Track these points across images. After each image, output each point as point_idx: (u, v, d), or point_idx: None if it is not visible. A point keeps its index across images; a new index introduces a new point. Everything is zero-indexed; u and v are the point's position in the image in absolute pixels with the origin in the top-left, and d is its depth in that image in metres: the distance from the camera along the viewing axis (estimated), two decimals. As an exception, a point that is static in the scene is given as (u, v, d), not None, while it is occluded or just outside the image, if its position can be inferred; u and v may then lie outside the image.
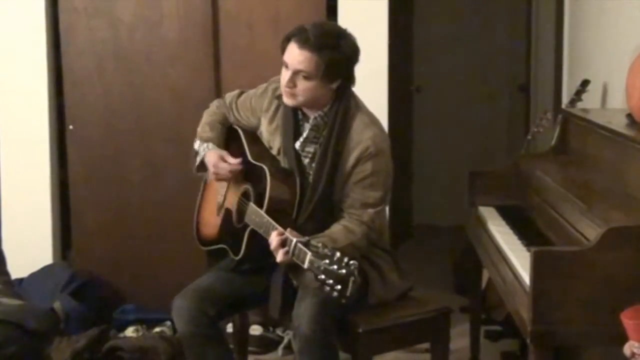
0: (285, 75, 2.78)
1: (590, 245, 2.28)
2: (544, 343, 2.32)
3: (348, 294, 2.36)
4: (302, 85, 2.75)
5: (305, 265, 2.46)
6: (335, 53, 2.74)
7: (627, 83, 2.86)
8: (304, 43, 2.72)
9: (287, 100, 2.81)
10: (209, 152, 2.98)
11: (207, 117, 3.11)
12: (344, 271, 2.35)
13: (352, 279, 2.35)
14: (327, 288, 2.36)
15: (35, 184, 4.14)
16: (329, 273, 2.36)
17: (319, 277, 2.38)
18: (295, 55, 2.73)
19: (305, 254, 2.47)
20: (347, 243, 2.71)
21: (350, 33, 2.81)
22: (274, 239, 2.61)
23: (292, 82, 2.76)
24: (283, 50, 2.78)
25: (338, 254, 2.38)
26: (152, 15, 4.07)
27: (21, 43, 4.09)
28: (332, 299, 2.40)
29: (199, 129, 3.08)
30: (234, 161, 2.93)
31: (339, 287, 2.35)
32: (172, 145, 4.08)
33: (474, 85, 6.37)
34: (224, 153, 2.97)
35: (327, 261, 2.38)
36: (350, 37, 2.80)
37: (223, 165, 2.93)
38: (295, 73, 2.75)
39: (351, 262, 2.37)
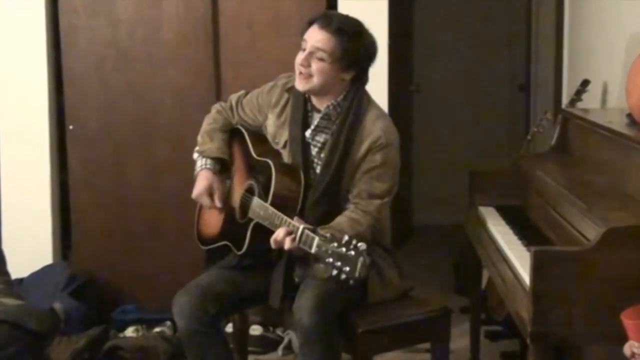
0: (300, 55, 2.81)
1: (590, 245, 2.28)
2: (544, 343, 2.32)
3: (357, 275, 2.38)
4: (316, 65, 2.78)
5: (313, 250, 2.49)
6: (354, 41, 2.78)
7: (627, 83, 2.86)
8: (326, 25, 2.78)
9: (300, 84, 2.82)
10: (202, 171, 3.01)
11: (206, 125, 3.11)
12: (352, 252, 2.38)
13: (361, 259, 2.37)
14: (335, 271, 2.38)
15: (35, 184, 4.14)
16: (337, 255, 2.39)
17: (327, 260, 2.40)
18: (315, 35, 2.78)
19: (313, 238, 2.50)
20: (353, 234, 2.71)
21: (371, 33, 2.86)
22: (280, 229, 2.63)
23: (307, 62, 2.79)
24: (303, 33, 2.83)
25: (346, 237, 2.42)
26: (152, 15, 4.07)
27: (21, 43, 4.09)
28: (333, 291, 2.41)
29: (199, 138, 3.09)
30: (217, 203, 2.98)
31: (347, 268, 2.37)
32: (172, 145, 4.08)
33: (474, 85, 6.38)
34: (215, 185, 2.99)
35: (335, 244, 2.41)
36: (372, 36, 2.86)
37: (205, 200, 2.99)
38: (312, 53, 2.78)
39: (359, 244, 2.39)
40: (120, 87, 4.12)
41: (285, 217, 2.66)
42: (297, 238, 2.57)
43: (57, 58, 4.14)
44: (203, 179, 3.00)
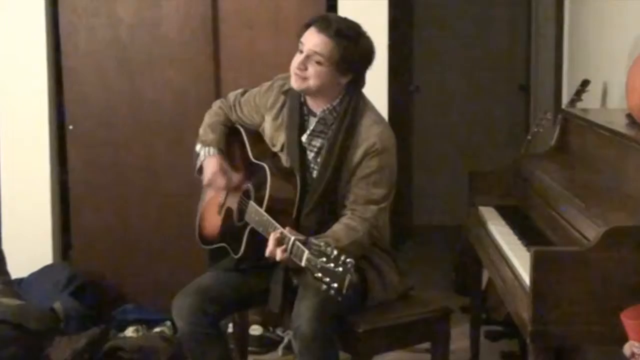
0: (298, 58, 2.79)
1: (590, 245, 2.28)
2: (544, 343, 2.32)
3: (344, 291, 2.36)
4: (313, 69, 2.76)
5: (303, 263, 2.47)
6: (352, 45, 2.76)
7: (627, 83, 2.86)
8: (324, 28, 2.75)
9: (295, 84, 2.80)
10: (209, 158, 2.99)
11: (208, 118, 3.11)
12: (340, 269, 2.35)
13: (348, 276, 2.35)
14: (324, 286, 2.37)
15: (35, 183, 4.14)
16: (325, 271, 2.37)
17: (315, 275, 2.39)
18: (312, 38, 2.76)
19: (303, 252, 2.47)
20: (350, 241, 2.71)
21: (370, 37, 2.83)
22: (271, 237, 2.62)
23: (303, 65, 2.76)
24: (300, 35, 2.80)
25: (335, 252, 2.39)
26: (152, 15, 4.07)
27: (21, 43, 4.09)
28: (331, 299, 2.41)
29: (201, 131, 3.08)
30: (235, 177, 2.95)
31: (335, 285, 2.35)
32: (172, 145, 4.08)
33: (473, 86, 6.38)
34: (225, 164, 2.97)
35: (324, 259, 2.38)
36: (370, 39, 2.83)
37: (220, 179, 2.95)
38: (309, 56, 2.76)
39: (348, 260, 2.37)
40: (120, 87, 4.12)
41: (278, 226, 2.63)
42: (288, 249, 2.56)
43: (57, 58, 4.14)
44: (212, 163, 2.97)
